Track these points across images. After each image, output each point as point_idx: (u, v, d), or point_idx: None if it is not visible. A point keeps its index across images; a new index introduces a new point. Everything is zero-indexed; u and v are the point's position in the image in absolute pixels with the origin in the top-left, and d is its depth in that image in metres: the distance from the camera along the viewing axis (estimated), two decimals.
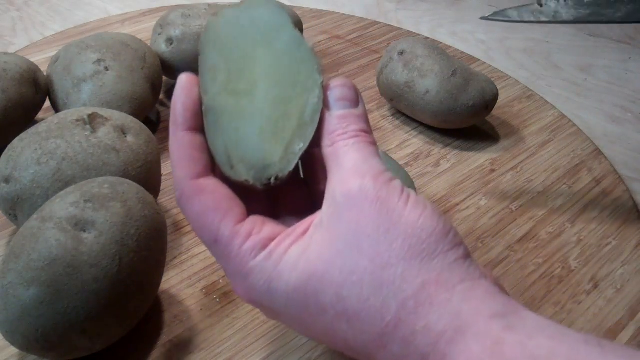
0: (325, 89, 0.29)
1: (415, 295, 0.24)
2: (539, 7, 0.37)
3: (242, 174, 0.28)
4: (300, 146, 0.28)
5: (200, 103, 0.28)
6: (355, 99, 0.29)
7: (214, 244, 0.27)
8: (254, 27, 0.30)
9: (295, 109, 0.29)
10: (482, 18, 0.46)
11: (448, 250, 0.25)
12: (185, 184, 0.28)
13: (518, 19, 0.43)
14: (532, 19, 0.42)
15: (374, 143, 0.28)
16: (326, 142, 0.28)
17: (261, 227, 0.27)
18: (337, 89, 0.29)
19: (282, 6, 0.32)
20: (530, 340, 0.22)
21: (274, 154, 0.28)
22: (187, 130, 0.28)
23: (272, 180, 0.28)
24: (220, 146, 0.28)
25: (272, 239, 0.27)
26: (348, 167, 0.26)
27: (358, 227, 0.25)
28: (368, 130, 0.28)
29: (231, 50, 0.30)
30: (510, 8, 0.44)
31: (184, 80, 0.28)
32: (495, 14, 0.44)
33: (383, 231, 0.25)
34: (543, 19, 0.40)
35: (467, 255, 0.26)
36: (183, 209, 0.28)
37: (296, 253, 0.26)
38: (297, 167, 0.29)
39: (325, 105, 0.29)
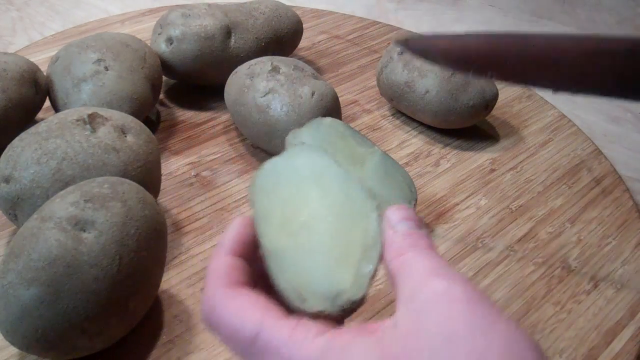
0: (382, 212, 0.29)
1: None
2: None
3: (317, 306, 0.28)
4: (370, 268, 0.29)
5: (251, 240, 0.28)
6: (419, 222, 0.28)
7: (253, 339, 0.25)
8: (299, 171, 0.32)
9: (356, 236, 0.30)
10: None
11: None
12: (218, 292, 0.26)
13: None
14: None
15: (431, 245, 0.27)
16: (392, 255, 0.27)
17: (309, 322, 0.25)
18: (401, 211, 0.29)
19: (324, 149, 0.33)
20: None
21: (344, 281, 0.29)
22: (233, 254, 0.28)
23: (348, 305, 0.28)
24: (287, 284, 0.28)
25: (327, 328, 0.25)
26: (426, 270, 0.25)
27: (450, 326, 0.23)
28: (435, 248, 0.27)
29: (281, 195, 0.31)
30: None
31: (238, 220, 0.28)
32: None
33: (480, 332, 0.23)
34: None
35: None
36: (212, 315, 0.26)
37: (366, 343, 0.24)
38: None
39: (388, 226, 0.29)
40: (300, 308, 0.28)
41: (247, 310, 0.25)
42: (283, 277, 0.28)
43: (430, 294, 0.24)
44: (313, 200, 0.31)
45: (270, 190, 0.31)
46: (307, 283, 0.29)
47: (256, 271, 0.28)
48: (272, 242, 0.29)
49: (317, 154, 0.33)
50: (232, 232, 0.28)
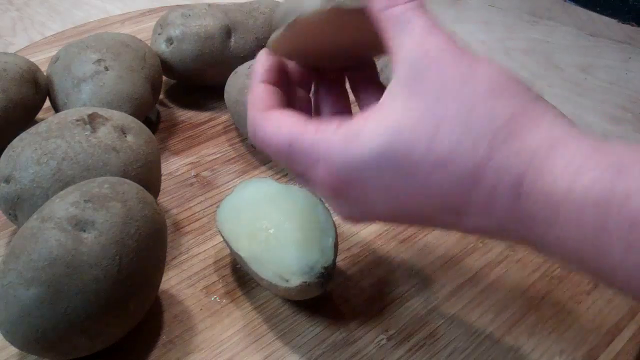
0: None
1: (506, 124, 0.24)
2: None
3: (298, 280, 0.36)
4: (330, 240, 0.38)
5: (277, 66, 0.32)
6: None
7: (289, 148, 0.28)
8: (250, 198, 0.41)
9: (312, 224, 0.38)
10: None
11: (528, 89, 0.26)
12: (257, 116, 0.30)
13: None
14: None
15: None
16: (380, 4, 0.27)
17: (330, 119, 0.28)
18: None
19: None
20: (630, 146, 0.23)
21: (314, 256, 0.37)
22: (264, 82, 0.31)
23: (322, 271, 0.36)
24: (270, 274, 0.37)
25: (342, 123, 0.27)
26: (418, 31, 0.26)
27: (441, 81, 0.25)
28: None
29: (242, 218, 0.39)
30: None
31: (262, 52, 0.32)
32: None
33: (467, 79, 0.25)
34: None
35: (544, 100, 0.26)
36: (256, 137, 0.30)
37: (377, 119, 0.26)
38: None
39: None
40: (285, 287, 0.36)
41: (280, 127, 0.29)
42: (265, 271, 0.37)
43: (424, 54, 0.26)
44: (268, 212, 0.39)
45: (232, 218, 0.40)
46: (285, 268, 0.36)
47: (285, 92, 0.32)
48: (248, 252, 0.38)
49: (258, 181, 0.42)
50: (260, 63, 0.32)
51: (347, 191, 0.27)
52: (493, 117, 0.25)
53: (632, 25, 0.76)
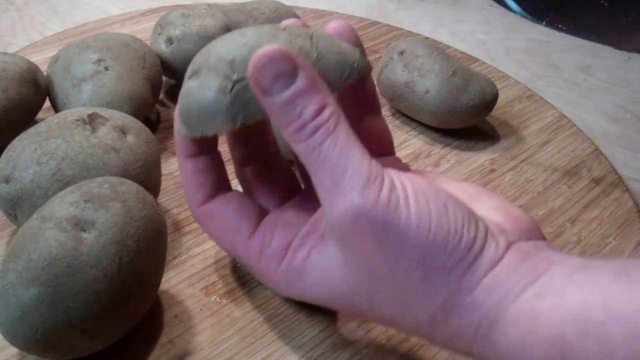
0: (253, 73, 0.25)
1: (442, 307, 0.24)
2: None
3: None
4: None
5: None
6: (290, 70, 0.23)
7: (237, 257, 0.31)
8: None
9: None
10: None
11: (465, 256, 0.24)
12: (195, 212, 0.31)
13: None
14: None
15: (337, 123, 0.24)
16: (288, 138, 0.25)
17: (271, 238, 0.29)
18: (267, 67, 0.23)
19: None
20: (562, 300, 0.22)
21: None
22: (188, 157, 0.31)
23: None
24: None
25: (286, 248, 0.28)
26: (328, 185, 0.24)
27: (368, 259, 0.24)
28: (323, 104, 0.24)
29: None
30: None
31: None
32: None
33: (394, 261, 0.24)
34: None
35: (484, 240, 0.24)
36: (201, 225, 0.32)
37: (317, 265, 0.27)
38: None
39: (264, 92, 0.24)
40: None
41: (221, 237, 0.31)
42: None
43: (341, 224, 0.24)
44: None
45: None
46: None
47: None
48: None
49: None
50: (178, 133, 0.31)
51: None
52: (428, 304, 0.25)
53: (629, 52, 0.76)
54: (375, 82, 0.60)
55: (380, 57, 0.59)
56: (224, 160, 0.53)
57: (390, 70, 0.56)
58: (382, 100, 0.61)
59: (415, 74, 0.55)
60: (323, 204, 0.25)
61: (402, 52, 0.56)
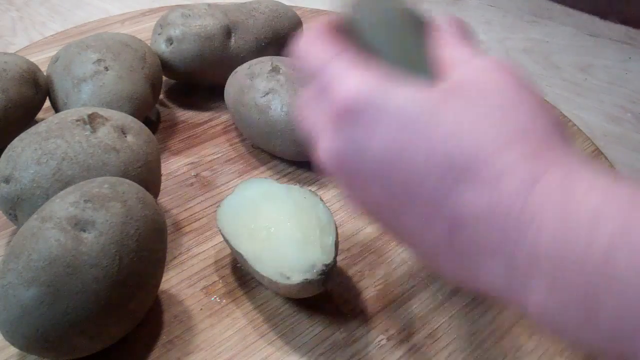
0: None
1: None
2: None
3: (300, 278, 0.36)
4: (331, 239, 0.38)
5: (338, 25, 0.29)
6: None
7: (327, 63, 0.26)
8: (250, 198, 0.41)
9: (312, 222, 0.39)
10: None
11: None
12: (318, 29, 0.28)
13: None
14: None
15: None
16: (443, 44, 0.28)
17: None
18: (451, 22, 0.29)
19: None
20: (596, 181, 0.22)
21: (314, 254, 0.37)
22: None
23: (323, 268, 0.36)
24: (272, 272, 0.36)
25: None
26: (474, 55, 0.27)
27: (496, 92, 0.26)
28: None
29: (243, 217, 0.40)
30: None
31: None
32: None
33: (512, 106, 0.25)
34: None
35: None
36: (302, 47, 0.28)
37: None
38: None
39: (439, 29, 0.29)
40: (286, 284, 0.36)
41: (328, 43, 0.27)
42: (266, 269, 0.37)
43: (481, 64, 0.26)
44: (269, 211, 0.40)
45: (233, 218, 0.40)
46: (287, 265, 0.36)
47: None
48: (249, 250, 0.38)
49: (258, 182, 0.42)
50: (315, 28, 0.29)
51: (354, 119, 0.25)
52: (526, 133, 0.24)
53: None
54: None
55: None
56: (225, 160, 0.53)
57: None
58: None
59: None
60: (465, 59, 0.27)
61: None
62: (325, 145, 0.26)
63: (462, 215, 0.23)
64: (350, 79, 0.25)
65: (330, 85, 0.26)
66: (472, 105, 0.25)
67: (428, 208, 0.24)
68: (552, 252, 0.21)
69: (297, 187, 0.42)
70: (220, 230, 0.40)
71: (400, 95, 0.25)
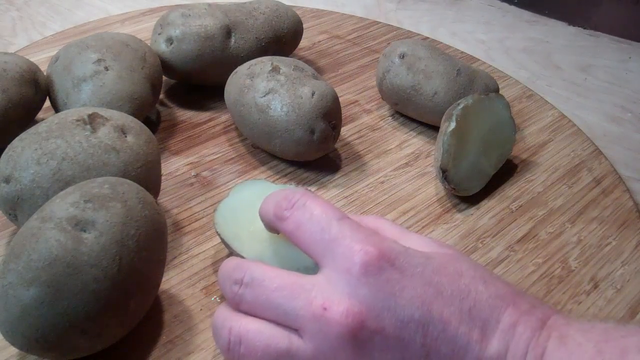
0: None
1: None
2: None
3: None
4: None
5: None
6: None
7: (340, 219, 0.32)
8: (247, 199, 0.41)
9: None
10: None
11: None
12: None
13: None
14: None
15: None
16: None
17: None
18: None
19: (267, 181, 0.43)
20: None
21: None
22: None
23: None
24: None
25: None
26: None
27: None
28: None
29: (241, 219, 0.40)
30: None
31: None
32: None
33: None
34: None
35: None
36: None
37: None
38: None
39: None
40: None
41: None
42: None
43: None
44: None
45: (231, 220, 0.40)
46: (287, 266, 0.36)
47: None
48: (248, 252, 0.38)
49: (253, 183, 0.42)
50: None
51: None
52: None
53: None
54: (378, 88, 0.59)
55: (379, 58, 0.58)
56: (225, 160, 0.53)
57: (394, 75, 0.56)
58: (382, 100, 0.61)
59: (420, 76, 0.54)
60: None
61: (403, 55, 0.56)
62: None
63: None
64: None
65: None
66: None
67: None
68: None
69: (292, 186, 0.42)
70: (219, 234, 0.40)
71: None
